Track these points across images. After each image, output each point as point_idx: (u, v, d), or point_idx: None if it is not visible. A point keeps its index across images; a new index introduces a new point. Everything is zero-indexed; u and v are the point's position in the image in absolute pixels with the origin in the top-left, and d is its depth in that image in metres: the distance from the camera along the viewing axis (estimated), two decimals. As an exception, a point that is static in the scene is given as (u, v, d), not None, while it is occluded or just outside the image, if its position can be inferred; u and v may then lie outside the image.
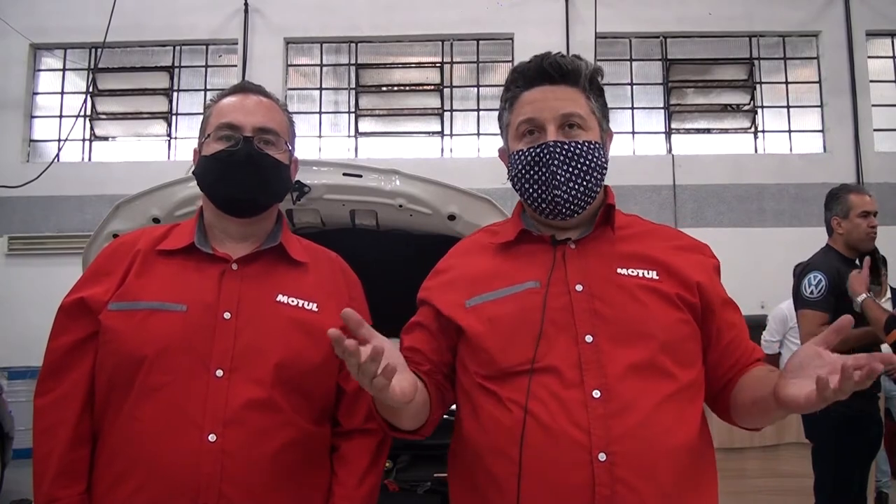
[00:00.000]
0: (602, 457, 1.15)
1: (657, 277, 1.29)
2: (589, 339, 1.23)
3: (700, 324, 1.30)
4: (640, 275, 1.29)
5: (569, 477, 1.16)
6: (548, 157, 1.29)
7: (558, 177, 1.29)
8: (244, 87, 1.51)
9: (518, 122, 1.35)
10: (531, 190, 1.32)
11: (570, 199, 1.30)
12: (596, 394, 1.18)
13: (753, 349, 1.37)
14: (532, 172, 1.31)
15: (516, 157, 1.34)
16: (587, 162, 1.30)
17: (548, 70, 1.33)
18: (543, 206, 1.32)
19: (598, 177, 1.32)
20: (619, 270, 1.29)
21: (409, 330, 1.40)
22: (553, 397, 1.19)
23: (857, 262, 3.25)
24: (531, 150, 1.31)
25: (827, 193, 3.36)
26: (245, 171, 1.41)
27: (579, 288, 1.27)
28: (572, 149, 1.29)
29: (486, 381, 1.27)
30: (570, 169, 1.29)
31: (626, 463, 1.15)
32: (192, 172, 1.52)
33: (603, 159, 1.33)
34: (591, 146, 1.31)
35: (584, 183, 1.30)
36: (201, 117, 1.53)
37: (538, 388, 1.20)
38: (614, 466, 1.15)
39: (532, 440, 1.18)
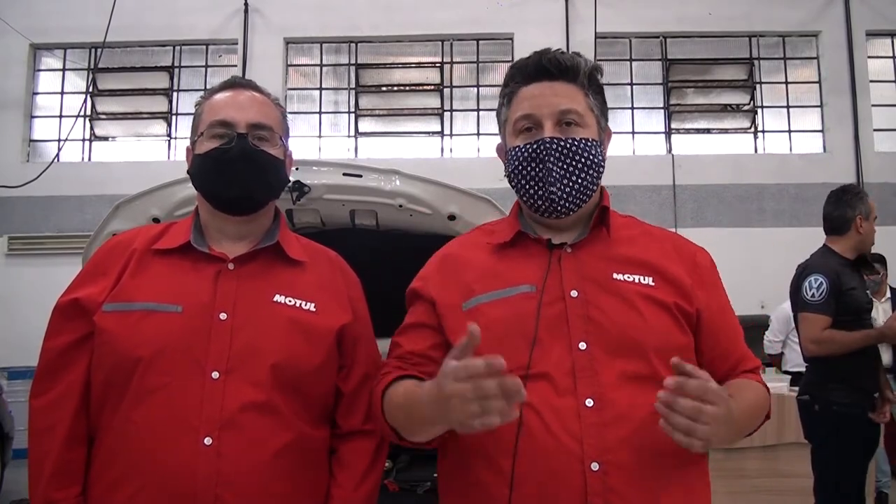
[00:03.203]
0: (595, 466, 1.13)
1: (653, 284, 1.27)
2: (582, 346, 1.21)
3: (694, 331, 1.29)
4: (637, 280, 1.27)
5: (560, 486, 1.14)
6: (544, 153, 1.28)
7: (554, 173, 1.28)
8: (235, 83, 1.48)
9: (516, 117, 1.33)
10: (527, 186, 1.31)
11: (566, 196, 1.29)
12: (589, 402, 1.17)
13: (746, 358, 1.35)
14: (529, 169, 1.30)
15: (513, 153, 1.32)
16: (583, 159, 1.29)
17: (546, 66, 1.31)
18: (539, 203, 1.31)
19: (594, 175, 1.31)
20: (615, 276, 1.27)
21: (408, 331, 1.37)
22: (546, 405, 1.17)
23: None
24: (528, 146, 1.30)
25: (838, 191, 3.24)
26: (240, 169, 1.39)
27: (574, 294, 1.25)
28: (569, 145, 1.28)
29: None
30: (566, 166, 1.28)
31: (619, 472, 1.13)
32: (187, 172, 1.50)
33: (600, 157, 1.32)
34: (588, 143, 1.30)
35: (580, 180, 1.29)
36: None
37: (531, 396, 1.17)
38: (607, 476, 1.13)
39: (524, 448, 1.16)
